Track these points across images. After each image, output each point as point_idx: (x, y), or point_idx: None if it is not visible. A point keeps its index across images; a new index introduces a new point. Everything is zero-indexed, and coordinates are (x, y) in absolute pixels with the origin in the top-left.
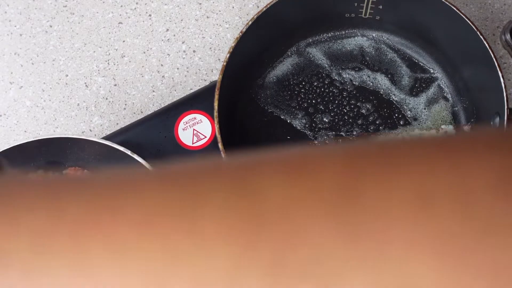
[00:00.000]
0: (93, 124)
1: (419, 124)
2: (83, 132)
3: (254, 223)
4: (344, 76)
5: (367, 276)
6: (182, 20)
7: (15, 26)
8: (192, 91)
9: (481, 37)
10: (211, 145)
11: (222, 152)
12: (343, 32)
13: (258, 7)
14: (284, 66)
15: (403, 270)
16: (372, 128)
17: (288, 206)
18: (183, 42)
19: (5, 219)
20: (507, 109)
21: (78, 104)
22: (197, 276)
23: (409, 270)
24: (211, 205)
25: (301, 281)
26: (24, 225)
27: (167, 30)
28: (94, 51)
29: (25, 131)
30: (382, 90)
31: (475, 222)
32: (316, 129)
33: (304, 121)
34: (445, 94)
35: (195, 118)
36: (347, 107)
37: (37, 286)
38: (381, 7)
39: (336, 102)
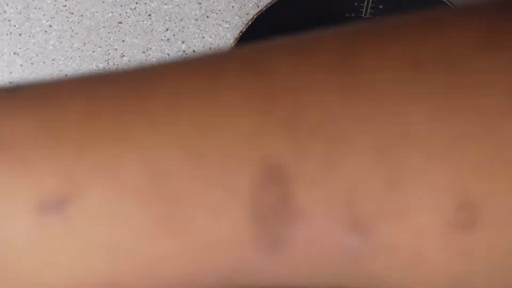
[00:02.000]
0: None
1: None
2: None
3: (267, 93)
4: None
5: (370, 129)
6: (182, 19)
7: (15, 25)
8: None
9: None
10: None
11: None
12: None
13: (258, 6)
14: None
15: (400, 120)
16: None
17: (294, 78)
18: (183, 42)
19: (54, 102)
20: None
21: None
22: (226, 142)
23: (406, 119)
24: (228, 82)
25: (314, 137)
26: (70, 108)
27: (167, 29)
28: (94, 51)
29: None
30: None
31: (461, 80)
32: None
33: None
34: None
35: None
36: None
37: (88, 161)
38: (381, 7)
39: None
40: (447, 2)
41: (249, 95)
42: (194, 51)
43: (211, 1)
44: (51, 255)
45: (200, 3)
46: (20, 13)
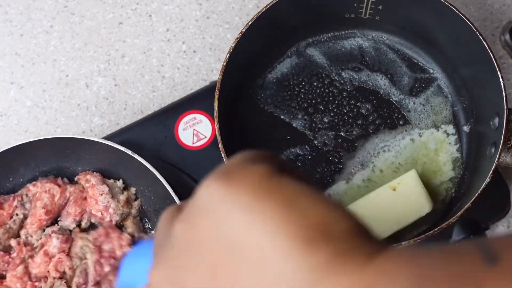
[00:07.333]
0: (94, 124)
1: (418, 124)
2: (83, 132)
3: None
4: (344, 76)
5: None
6: (182, 20)
7: (16, 26)
8: (192, 91)
9: (480, 37)
10: (211, 145)
11: (222, 152)
12: (343, 33)
13: (258, 7)
14: (284, 66)
15: None
16: (372, 128)
17: None
18: (183, 43)
19: None
20: (506, 109)
21: (79, 104)
22: None
23: None
24: None
25: None
26: None
27: (168, 30)
28: (95, 51)
29: (26, 131)
30: (381, 90)
31: None
32: (316, 129)
33: (304, 121)
34: (444, 94)
35: (195, 118)
36: (347, 107)
37: None
38: (380, 7)
39: (336, 102)
40: (445, 2)
41: None
42: (194, 51)
43: (212, 2)
44: None
45: (200, 4)
46: (21, 14)
